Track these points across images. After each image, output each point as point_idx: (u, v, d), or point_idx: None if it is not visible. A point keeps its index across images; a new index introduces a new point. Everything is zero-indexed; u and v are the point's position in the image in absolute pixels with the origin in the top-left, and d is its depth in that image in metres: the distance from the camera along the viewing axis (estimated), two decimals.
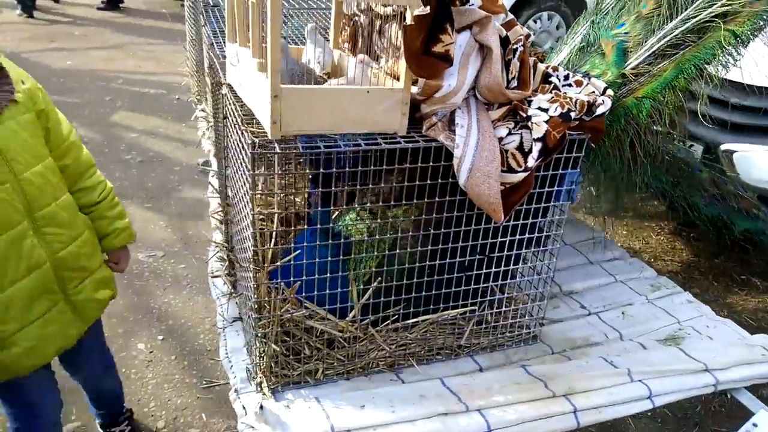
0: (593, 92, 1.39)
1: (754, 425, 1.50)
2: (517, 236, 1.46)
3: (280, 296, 1.30)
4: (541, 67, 1.43)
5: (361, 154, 1.21)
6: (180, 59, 6.73)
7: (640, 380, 1.48)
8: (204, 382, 2.57)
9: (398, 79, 1.28)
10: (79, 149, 1.53)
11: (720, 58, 1.56)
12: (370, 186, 1.30)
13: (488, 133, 1.28)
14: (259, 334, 1.34)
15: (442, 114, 1.27)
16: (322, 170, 1.22)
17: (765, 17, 1.54)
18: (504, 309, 1.56)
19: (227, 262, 1.69)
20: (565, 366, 1.53)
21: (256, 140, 1.13)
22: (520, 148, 1.31)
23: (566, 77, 1.41)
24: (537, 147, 1.28)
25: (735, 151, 2.71)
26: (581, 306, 1.82)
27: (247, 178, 1.19)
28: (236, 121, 1.26)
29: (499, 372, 1.51)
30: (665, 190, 2.17)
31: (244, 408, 1.35)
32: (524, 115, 1.31)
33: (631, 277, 1.98)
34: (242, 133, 1.21)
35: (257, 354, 1.39)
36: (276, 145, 1.14)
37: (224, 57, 1.78)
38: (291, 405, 1.35)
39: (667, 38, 1.58)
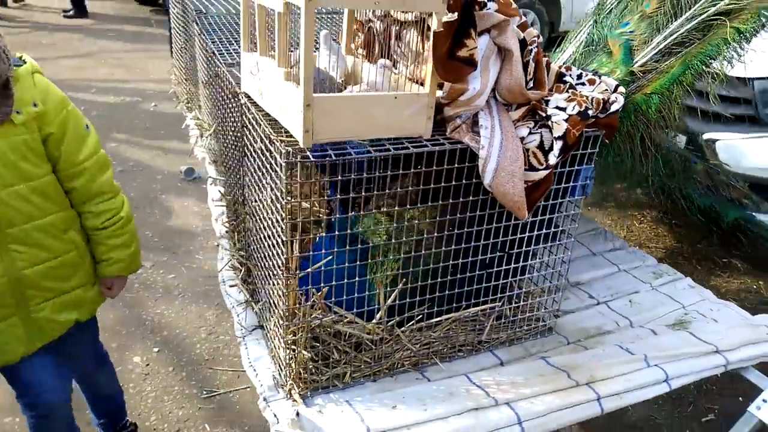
0: (606, 90, 1.43)
1: (764, 401, 1.57)
2: (535, 232, 1.50)
3: (310, 302, 1.31)
4: (554, 67, 1.47)
5: (381, 159, 1.23)
6: (153, 66, 6.65)
7: (656, 365, 1.54)
8: (204, 392, 2.55)
9: (421, 84, 1.31)
10: (92, 176, 1.54)
11: (725, 53, 1.62)
12: (392, 190, 1.32)
13: (510, 133, 1.32)
14: (289, 341, 1.35)
15: (466, 116, 1.30)
16: (353, 175, 1.23)
17: None
18: (522, 303, 1.60)
19: (242, 270, 1.69)
20: (584, 355, 1.57)
21: (290, 149, 1.14)
22: (540, 146, 1.35)
23: (579, 76, 1.45)
24: (558, 145, 1.32)
25: (717, 140, 2.81)
26: (590, 296, 1.88)
27: (279, 187, 1.20)
28: (263, 130, 1.27)
29: (521, 365, 1.54)
30: (663, 183, 2.24)
31: (275, 416, 1.36)
32: (544, 114, 1.35)
33: (633, 266, 2.04)
34: (271, 142, 1.22)
35: (285, 361, 1.40)
36: (309, 153, 1.16)
37: (230, 66, 1.78)
38: (323, 410, 1.36)
39: (674, 36, 1.64)
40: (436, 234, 1.37)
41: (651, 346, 1.60)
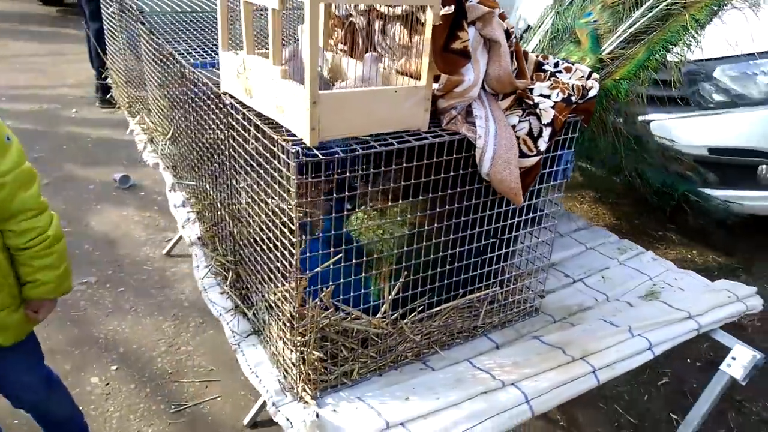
0: (582, 77, 1.50)
1: (733, 358, 1.69)
2: (523, 217, 1.55)
3: (316, 302, 1.30)
4: (532, 56, 1.52)
5: (385, 154, 1.23)
6: (69, 70, 6.29)
7: (639, 334, 1.63)
8: (173, 407, 2.47)
9: (413, 77, 1.32)
10: (12, 191, 1.43)
11: (684, 40, 1.73)
12: (391, 185, 1.32)
13: (503, 122, 1.35)
14: (298, 343, 1.33)
15: (461, 107, 1.32)
16: (360, 172, 1.22)
17: (719, 3, 1.73)
18: (512, 287, 1.65)
19: (230, 276, 1.64)
20: (574, 331, 1.64)
21: (299, 149, 1.12)
22: (530, 133, 1.39)
23: (556, 65, 1.51)
24: (547, 131, 1.37)
25: (651, 121, 3.00)
26: (565, 275, 1.95)
27: (286, 187, 1.17)
28: (261, 130, 1.24)
29: (518, 346, 1.59)
30: (621, 164, 2.36)
31: (288, 420, 1.34)
32: (531, 102, 1.39)
33: (599, 243, 2.14)
34: (274, 143, 1.20)
35: (292, 363, 1.38)
36: (318, 152, 1.14)
37: (198, 66, 1.72)
38: (337, 409, 1.36)
39: (636, 25, 1.73)
40: (435, 225, 1.39)
41: (632, 318, 1.69)
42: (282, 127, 1.24)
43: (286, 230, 1.23)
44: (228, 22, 1.39)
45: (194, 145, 1.80)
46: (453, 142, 1.31)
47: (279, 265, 1.32)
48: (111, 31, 2.86)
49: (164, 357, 2.77)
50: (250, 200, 1.40)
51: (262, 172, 1.30)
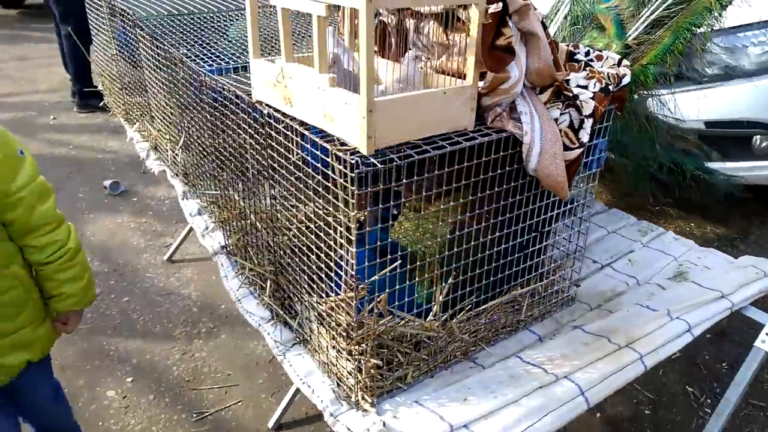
0: (614, 64, 1.49)
1: (767, 335, 1.72)
2: (562, 208, 1.56)
3: (369, 309, 1.28)
4: (563, 46, 1.51)
5: (438, 158, 1.21)
6: (40, 75, 6.09)
7: (677, 317, 1.65)
8: (194, 415, 2.45)
9: (456, 76, 1.30)
10: (30, 206, 1.41)
11: (708, 21, 1.74)
12: (436, 190, 1.31)
13: (545, 115, 1.34)
14: (355, 352, 1.32)
15: (506, 104, 1.31)
16: (416, 178, 1.21)
17: None
18: (551, 278, 1.66)
19: (268, 285, 1.62)
20: (613, 319, 1.66)
21: (358, 159, 1.10)
22: (571, 126, 1.38)
23: (587, 53, 1.50)
24: (589, 123, 1.37)
25: (648, 97, 3.03)
26: (593, 261, 1.97)
27: (345, 198, 1.15)
28: (310, 140, 1.21)
29: (562, 338, 1.60)
30: (634, 143, 2.36)
31: (350, 429, 1.33)
32: (570, 94, 1.38)
33: (619, 227, 2.16)
34: (327, 153, 1.17)
35: (347, 372, 1.37)
36: (375, 161, 1.12)
37: (213, 72, 1.68)
38: (397, 415, 1.35)
39: (660, 9, 1.73)
40: (483, 224, 1.38)
41: (667, 301, 1.71)
42: (331, 136, 1.22)
43: (342, 240, 1.21)
44: (257, 29, 1.35)
45: (216, 153, 1.75)
46: (500, 139, 1.30)
47: (332, 274, 1.30)
48: (100, 36, 2.77)
49: (179, 365, 2.73)
50: (294, 210, 1.37)
51: (310, 181, 1.27)
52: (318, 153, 1.21)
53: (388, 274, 1.26)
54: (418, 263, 1.34)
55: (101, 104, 4.99)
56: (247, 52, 2.00)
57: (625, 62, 1.50)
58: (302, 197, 1.33)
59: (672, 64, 1.73)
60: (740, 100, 3.21)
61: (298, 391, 2.00)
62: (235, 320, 2.99)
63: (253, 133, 1.45)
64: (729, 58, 3.21)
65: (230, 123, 1.56)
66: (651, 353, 1.54)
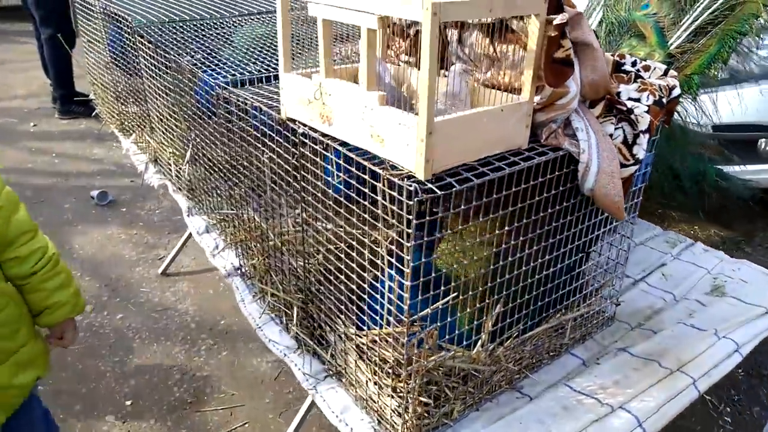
0: (661, 75, 1.41)
1: None
2: (607, 227, 1.47)
3: (427, 345, 1.18)
4: (608, 56, 1.42)
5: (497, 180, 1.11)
6: (16, 80, 5.86)
7: (725, 336, 1.58)
8: None
9: (503, 90, 1.21)
10: (6, 217, 1.31)
11: (753, 28, 1.67)
12: (491, 216, 1.21)
13: (600, 132, 1.26)
14: (401, 389, 1.22)
15: (561, 120, 1.22)
16: (474, 203, 1.11)
17: None
18: (594, 298, 1.57)
19: (295, 313, 1.51)
20: (660, 340, 1.58)
21: (416, 186, 1.00)
22: (624, 141, 1.30)
23: (634, 63, 1.42)
24: (645, 138, 1.28)
25: None
26: (626, 276, 1.89)
27: (401, 228, 1.05)
28: (355, 164, 1.11)
29: (610, 362, 1.52)
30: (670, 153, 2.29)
31: None
32: (624, 108, 1.30)
33: (646, 238, 2.09)
34: (377, 178, 1.06)
35: (392, 410, 1.27)
36: (434, 187, 1.02)
37: (228, 84, 1.57)
38: None
39: (704, 16, 1.66)
40: (534, 249, 1.29)
41: (711, 318, 1.64)
42: (379, 158, 1.11)
43: (392, 271, 1.10)
44: (289, 41, 1.24)
45: (230, 170, 1.64)
46: (556, 158, 1.21)
47: (377, 306, 1.20)
48: (92, 43, 2.62)
49: (180, 385, 2.60)
50: (331, 236, 1.27)
51: (354, 207, 1.16)
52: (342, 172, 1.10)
53: (439, 306, 1.17)
54: (469, 293, 1.24)
55: (83, 110, 4.85)
56: (255, 61, 1.89)
57: (673, 72, 1.42)
58: (341, 222, 1.22)
59: (716, 73, 1.67)
60: (747, 104, 3.17)
61: (308, 411, 1.89)
62: (236, 336, 2.87)
63: (282, 152, 1.33)
64: (735, 62, 3.17)
65: (251, 140, 1.44)
66: (703, 377, 1.47)
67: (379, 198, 1.08)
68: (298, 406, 2.49)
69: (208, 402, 2.49)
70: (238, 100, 1.46)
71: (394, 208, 1.04)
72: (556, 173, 1.22)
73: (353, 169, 1.16)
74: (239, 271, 1.82)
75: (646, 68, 1.42)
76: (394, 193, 1.04)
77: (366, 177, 1.11)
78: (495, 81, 1.23)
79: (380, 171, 1.06)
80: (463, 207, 1.07)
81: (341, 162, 1.17)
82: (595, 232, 1.44)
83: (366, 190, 1.13)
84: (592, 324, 1.62)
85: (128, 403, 2.49)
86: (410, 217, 1.01)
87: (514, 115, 1.14)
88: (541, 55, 1.12)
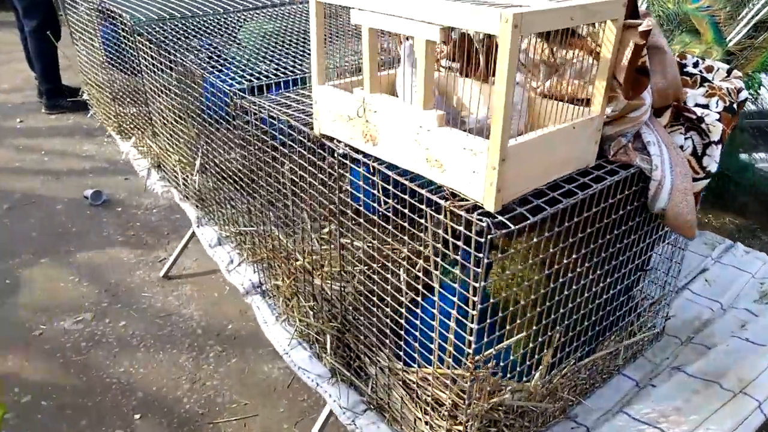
0: (726, 77, 1.29)
1: None
2: (667, 240, 1.37)
3: (489, 388, 1.07)
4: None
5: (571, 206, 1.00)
6: (1, 74, 5.61)
7: None
8: None
9: (567, 101, 1.08)
10: None
11: None
12: (563, 246, 1.09)
13: (672, 144, 1.14)
14: None
15: (631, 134, 1.10)
16: (546, 235, 0.99)
17: None
18: (647, 316, 1.47)
19: (328, 341, 1.39)
20: (715, 356, 1.48)
21: (488, 221, 0.88)
22: (694, 152, 1.19)
23: (696, 64, 1.29)
24: (717, 149, 1.17)
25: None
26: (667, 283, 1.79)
27: (470, 268, 0.93)
28: (409, 191, 0.98)
29: (666, 385, 1.42)
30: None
31: None
32: (693, 116, 1.18)
33: (683, 239, 1.98)
34: (439, 209, 0.94)
35: None
36: (507, 221, 0.90)
37: (245, 91, 1.43)
38: None
39: (765, 9, 1.53)
40: (597, 274, 1.18)
41: (766, 330, 1.55)
42: (435, 184, 0.99)
43: (452, 311, 0.99)
44: (323, 50, 1.10)
45: (251, 186, 1.50)
46: (627, 177, 1.09)
47: (432, 345, 1.08)
48: (85, 41, 2.45)
49: (190, 396, 2.49)
50: (375, 265, 1.14)
51: (405, 237, 1.04)
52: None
53: (505, 346, 1.05)
54: (526, 320, 1.12)
55: (71, 105, 4.65)
56: (266, 61, 1.75)
57: (737, 73, 1.30)
58: (390, 253, 1.10)
59: None
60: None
61: (326, 421, 1.78)
62: (244, 341, 2.76)
63: (316, 172, 1.20)
64: None
65: (276, 154, 1.31)
66: None
67: (440, 231, 0.96)
68: (314, 415, 2.40)
69: (220, 413, 2.39)
70: (260, 111, 1.33)
71: (460, 244, 0.92)
72: (626, 193, 1.11)
73: (401, 194, 1.04)
74: (259, 290, 1.70)
75: (709, 69, 1.30)
76: (460, 228, 0.91)
77: (421, 206, 0.99)
78: (555, 91, 1.11)
79: (441, 201, 0.94)
80: (536, 239, 0.95)
81: (389, 187, 1.04)
82: (654, 249, 1.33)
83: (417, 218, 1.01)
84: (642, 341, 1.52)
85: (137, 416, 2.38)
86: (480, 255, 0.89)
87: (584, 131, 1.02)
88: (615, 63, 0.99)
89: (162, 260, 3.25)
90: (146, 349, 2.70)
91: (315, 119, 1.19)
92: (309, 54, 1.82)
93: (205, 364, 2.62)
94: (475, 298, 0.93)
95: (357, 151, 1.11)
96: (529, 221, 0.91)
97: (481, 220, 0.87)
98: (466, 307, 0.95)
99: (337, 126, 1.14)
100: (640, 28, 0.94)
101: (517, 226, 0.89)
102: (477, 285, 0.92)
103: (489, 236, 0.87)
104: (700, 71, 1.29)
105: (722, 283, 1.79)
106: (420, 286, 1.08)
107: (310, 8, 1.09)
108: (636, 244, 1.25)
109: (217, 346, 2.72)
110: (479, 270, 0.90)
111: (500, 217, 0.90)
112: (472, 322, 0.96)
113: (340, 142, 1.14)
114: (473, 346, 0.98)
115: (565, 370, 1.27)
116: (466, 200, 0.94)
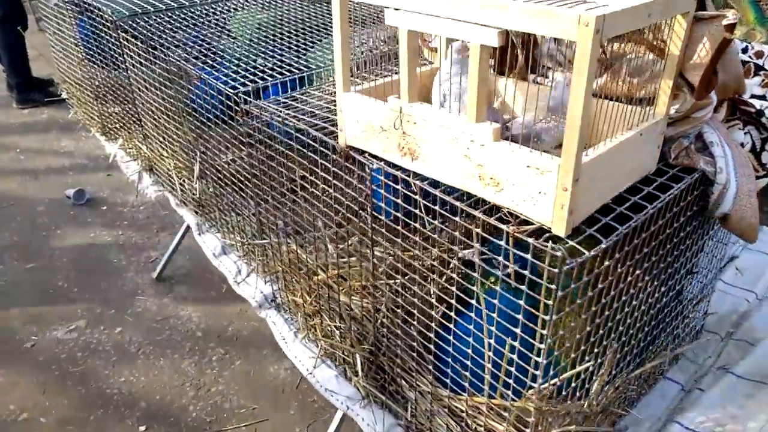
0: None
1: None
2: (714, 239, 1.29)
3: (551, 419, 0.99)
4: None
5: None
6: None
7: None
8: None
9: (618, 101, 0.98)
10: None
11: None
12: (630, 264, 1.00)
13: (733, 143, 1.05)
14: None
15: (693, 135, 1.00)
16: (620, 254, 0.89)
17: None
18: (690, 316, 1.40)
19: (359, 363, 1.30)
20: (763, 354, 1.42)
21: (561, 249, 0.78)
22: (753, 149, 1.10)
23: (745, 50, 1.19)
24: None
25: None
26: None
27: (547, 303, 0.83)
28: (462, 216, 0.88)
29: (714, 388, 1.35)
30: None
31: None
32: (752, 110, 1.08)
33: None
34: (499, 235, 0.84)
35: None
36: (581, 248, 0.80)
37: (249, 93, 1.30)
38: None
39: None
40: (653, 287, 1.09)
41: None
42: (487, 203, 0.88)
43: (516, 344, 0.89)
44: (348, 53, 0.98)
45: (257, 192, 1.39)
46: (691, 183, 0.99)
47: (486, 374, 0.99)
48: (61, 38, 2.27)
49: (196, 403, 2.39)
50: (418, 290, 1.04)
51: (450, 260, 0.94)
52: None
53: (570, 375, 0.96)
54: (596, 349, 1.04)
55: (43, 97, 4.43)
56: (262, 56, 1.62)
57: None
58: (435, 276, 1.00)
59: None
60: None
61: (341, 422, 1.71)
62: (247, 342, 2.66)
63: (343, 187, 1.09)
64: None
65: (293, 166, 1.19)
66: None
67: (500, 257, 0.86)
68: (326, 416, 2.32)
69: (228, 419, 2.30)
70: (272, 118, 1.20)
71: (526, 273, 0.82)
72: (688, 199, 1.01)
73: (440, 210, 0.94)
74: (273, 303, 1.59)
75: (759, 54, 1.20)
76: (527, 256, 0.81)
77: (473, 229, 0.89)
78: (606, 90, 1.00)
79: (503, 226, 0.83)
80: (606, 263, 0.85)
81: (437, 207, 0.94)
82: (703, 249, 1.25)
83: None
84: (684, 341, 1.45)
85: (142, 429, 2.28)
86: (553, 286, 0.79)
87: (650, 137, 0.92)
88: (682, 60, 0.89)
89: (153, 260, 3.12)
90: (146, 356, 2.59)
91: (340, 130, 1.07)
92: (310, 46, 1.69)
93: (209, 369, 2.53)
94: (544, 332, 0.84)
95: (393, 166, 0.99)
96: (602, 245, 0.81)
97: (555, 249, 0.77)
98: (532, 341, 0.86)
99: (366, 137, 1.02)
100: (725, 21, 0.84)
101: (591, 252, 0.80)
102: (547, 318, 0.82)
103: (564, 267, 0.77)
104: (750, 57, 1.19)
105: (755, 271, 1.73)
106: (471, 311, 0.98)
107: (333, 4, 0.97)
108: (689, 249, 1.17)
109: (219, 349, 2.62)
110: (550, 303, 0.80)
111: (570, 242, 0.80)
112: (538, 356, 0.86)
113: (370, 155, 1.03)
114: (539, 380, 0.89)
115: (618, 384, 1.19)
116: (529, 222, 0.84)
